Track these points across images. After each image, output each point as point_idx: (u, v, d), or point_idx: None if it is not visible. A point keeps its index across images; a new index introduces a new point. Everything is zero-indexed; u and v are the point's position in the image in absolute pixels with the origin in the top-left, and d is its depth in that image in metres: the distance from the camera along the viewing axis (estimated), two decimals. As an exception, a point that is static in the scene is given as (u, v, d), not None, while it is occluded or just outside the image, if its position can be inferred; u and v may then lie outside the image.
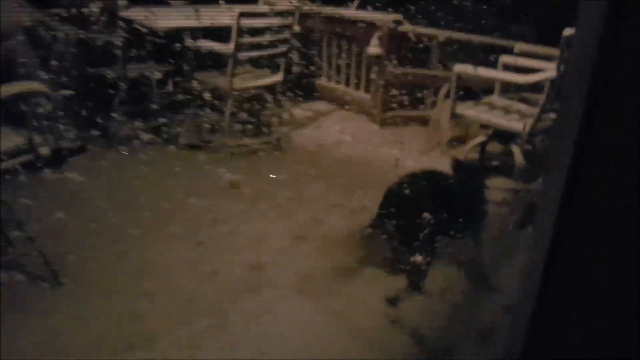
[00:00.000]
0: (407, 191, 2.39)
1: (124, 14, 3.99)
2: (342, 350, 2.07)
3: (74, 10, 3.83)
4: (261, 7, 4.34)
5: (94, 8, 3.95)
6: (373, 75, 4.56)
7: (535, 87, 3.38)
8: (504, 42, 3.94)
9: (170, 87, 4.28)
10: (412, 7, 4.81)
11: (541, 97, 3.09)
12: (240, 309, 2.25)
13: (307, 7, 4.64)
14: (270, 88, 4.09)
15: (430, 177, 2.52)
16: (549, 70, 3.06)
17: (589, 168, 0.73)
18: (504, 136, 3.42)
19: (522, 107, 3.43)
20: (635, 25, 0.64)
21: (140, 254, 2.60)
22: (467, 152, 3.55)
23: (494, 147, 3.59)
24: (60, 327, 2.09)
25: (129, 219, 2.82)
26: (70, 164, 3.38)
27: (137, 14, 3.95)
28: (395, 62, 4.45)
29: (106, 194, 3.10)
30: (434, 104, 4.58)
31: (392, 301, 2.31)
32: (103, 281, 2.37)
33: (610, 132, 0.71)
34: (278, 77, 4.00)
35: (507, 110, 3.42)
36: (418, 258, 2.29)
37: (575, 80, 0.72)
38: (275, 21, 3.78)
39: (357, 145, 4.17)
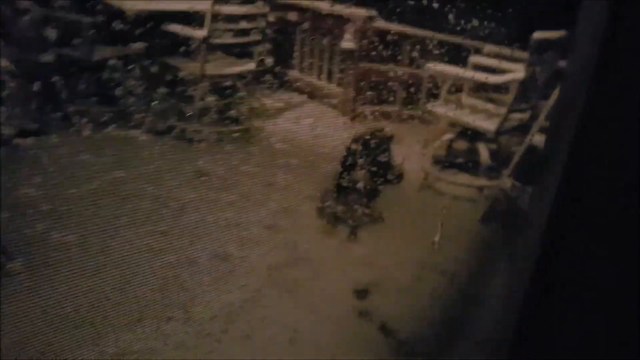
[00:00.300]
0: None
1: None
2: (312, 341, 2.08)
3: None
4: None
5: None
6: (345, 69, 4.58)
7: (502, 87, 3.48)
8: (474, 43, 4.03)
9: (138, 70, 4.17)
10: (389, 5, 4.84)
11: (508, 97, 3.17)
12: (207, 301, 2.24)
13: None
14: (242, 76, 4.05)
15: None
16: (517, 72, 3.15)
17: (584, 167, 0.75)
18: (470, 134, 3.50)
19: (490, 106, 3.52)
20: (633, 26, 0.67)
21: (101, 242, 2.53)
22: (435, 149, 3.62)
23: (461, 144, 3.67)
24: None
25: (90, 205, 2.74)
26: (27, 146, 3.25)
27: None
28: (367, 57, 4.48)
29: (65, 180, 3.00)
30: (405, 100, 4.65)
31: (361, 293, 2.34)
32: (53, 276, 2.29)
33: (605, 133, 0.73)
34: (250, 65, 3.97)
35: (475, 109, 3.50)
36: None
37: (576, 79, 0.75)
38: (250, 9, 3.74)
39: (326, 137, 4.18)
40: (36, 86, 3.39)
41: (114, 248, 2.47)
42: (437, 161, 3.72)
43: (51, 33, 3.62)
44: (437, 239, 2.76)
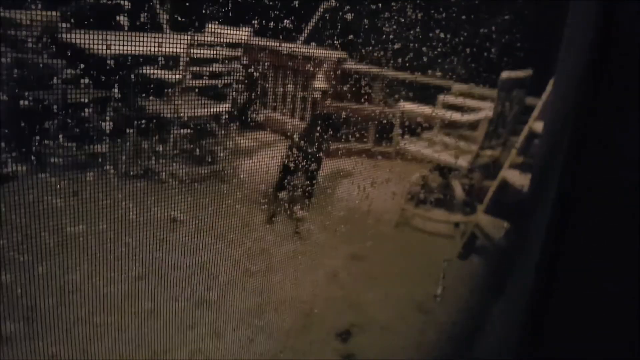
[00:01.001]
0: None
1: (65, 36, 3.85)
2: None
3: (11, 31, 3.65)
4: (209, 38, 4.34)
5: (34, 29, 3.80)
6: (317, 108, 4.65)
7: (472, 124, 3.58)
8: (443, 82, 4.16)
9: (110, 113, 4.14)
10: (358, 45, 4.98)
11: (477, 134, 3.27)
12: (183, 347, 2.16)
13: (255, 40, 4.69)
14: (216, 117, 4.05)
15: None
16: (486, 110, 3.25)
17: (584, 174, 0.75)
18: (444, 171, 3.57)
19: (461, 143, 3.61)
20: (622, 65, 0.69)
21: (75, 287, 2.43)
22: (410, 185, 3.67)
23: (435, 180, 3.73)
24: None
25: (61, 249, 2.65)
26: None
27: (79, 37, 3.82)
28: (338, 96, 4.56)
29: (38, 223, 2.90)
30: (377, 138, 4.73)
31: (343, 336, 2.30)
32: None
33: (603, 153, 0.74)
34: (224, 105, 3.98)
35: (446, 146, 3.58)
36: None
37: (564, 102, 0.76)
38: (223, 51, 3.78)
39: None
40: (7, 129, 3.31)
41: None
42: (412, 197, 3.76)
43: (24, 76, 3.58)
44: (439, 292, 2.74)
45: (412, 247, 3.24)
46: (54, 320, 2.14)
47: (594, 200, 0.78)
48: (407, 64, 4.82)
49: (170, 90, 3.80)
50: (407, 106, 3.58)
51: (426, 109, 3.58)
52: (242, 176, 3.91)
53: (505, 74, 2.85)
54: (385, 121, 4.57)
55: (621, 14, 0.70)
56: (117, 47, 3.51)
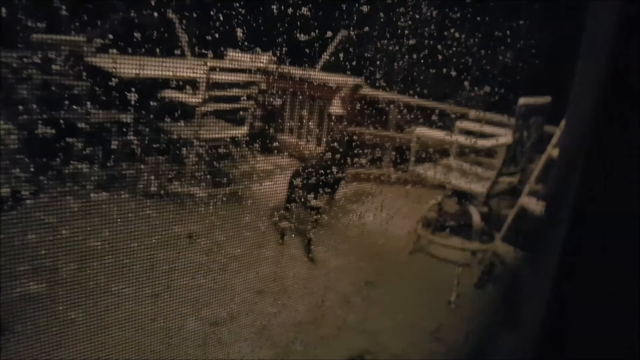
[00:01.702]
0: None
1: (91, 59, 3.98)
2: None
3: (39, 54, 3.78)
4: (230, 63, 4.44)
5: (61, 52, 3.93)
6: (334, 134, 4.68)
7: (490, 151, 3.56)
8: (460, 109, 4.17)
9: (133, 135, 4.23)
10: (375, 72, 5.03)
11: (495, 161, 3.24)
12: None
13: (273, 66, 4.78)
14: (234, 140, 4.11)
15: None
16: (503, 136, 3.24)
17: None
18: (460, 197, 3.54)
19: (479, 169, 3.59)
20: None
21: (93, 306, 2.46)
22: (426, 211, 3.64)
23: (452, 207, 3.70)
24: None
25: (79, 269, 2.69)
26: (25, 207, 3.22)
27: (104, 60, 3.94)
28: (355, 122, 4.60)
29: (59, 240, 2.95)
30: (394, 163, 4.73)
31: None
32: (48, 340, 2.21)
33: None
34: (243, 129, 4.04)
35: (463, 172, 3.56)
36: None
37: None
38: (242, 77, 3.86)
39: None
40: (34, 149, 3.41)
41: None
42: (428, 224, 3.73)
43: (49, 97, 3.69)
44: (453, 298, 2.75)
45: (427, 274, 3.20)
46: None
47: (605, 226, 0.77)
48: (423, 90, 4.85)
49: (191, 113, 3.88)
50: (423, 131, 3.58)
51: (443, 135, 3.58)
52: (256, 197, 3.94)
53: (523, 101, 2.84)
54: (400, 147, 4.59)
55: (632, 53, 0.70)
56: (140, 71, 3.61)
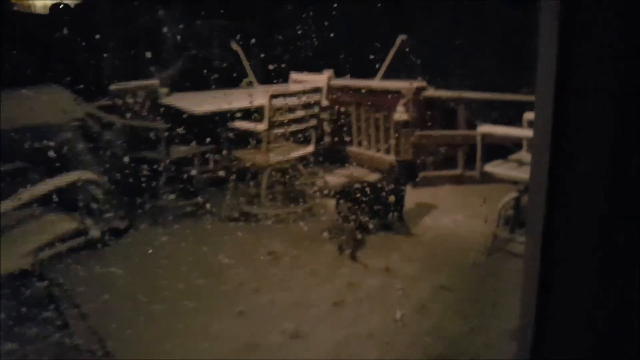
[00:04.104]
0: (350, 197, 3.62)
1: (165, 100, 4.35)
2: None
3: (119, 101, 4.22)
4: (291, 87, 4.63)
5: (138, 97, 4.34)
6: (401, 140, 4.71)
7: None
8: (527, 98, 4.03)
9: (211, 165, 4.54)
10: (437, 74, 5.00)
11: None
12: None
13: (334, 82, 4.91)
14: (303, 158, 4.28)
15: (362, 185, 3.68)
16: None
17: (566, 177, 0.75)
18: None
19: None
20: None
21: (185, 327, 2.69)
22: (501, 208, 3.56)
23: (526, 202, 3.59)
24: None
25: (174, 292, 2.95)
26: (118, 243, 3.60)
27: (177, 100, 4.29)
28: (421, 125, 4.60)
29: (149, 270, 3.26)
30: (464, 162, 4.66)
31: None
32: (147, 357, 2.46)
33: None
34: (310, 148, 4.19)
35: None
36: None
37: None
38: (305, 98, 4.02)
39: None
40: (122, 188, 3.80)
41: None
42: (506, 222, 3.64)
43: (132, 139, 4.09)
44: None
45: (506, 274, 3.13)
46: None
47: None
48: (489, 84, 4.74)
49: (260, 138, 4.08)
50: (490, 128, 3.52)
51: (508, 129, 3.50)
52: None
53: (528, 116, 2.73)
54: (468, 145, 4.51)
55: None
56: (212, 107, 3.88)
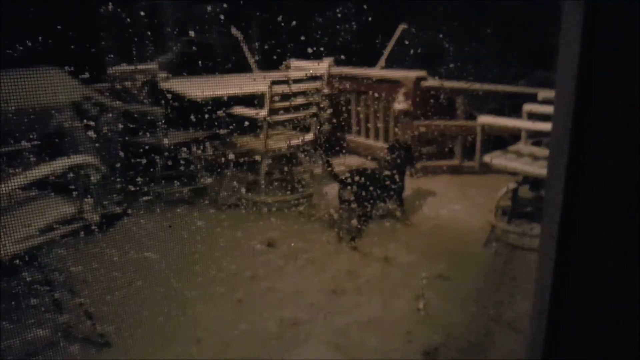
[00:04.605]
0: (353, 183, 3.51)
1: (164, 85, 4.30)
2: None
3: (117, 85, 4.17)
4: (292, 74, 4.59)
5: (136, 81, 4.30)
6: (401, 129, 4.69)
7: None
8: (527, 90, 4.02)
9: (209, 151, 4.52)
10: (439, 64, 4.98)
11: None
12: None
13: (335, 70, 4.87)
14: (303, 146, 4.26)
15: (364, 171, 3.62)
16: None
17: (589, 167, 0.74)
18: (534, 182, 3.43)
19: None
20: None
21: (181, 314, 2.69)
22: (499, 199, 3.57)
23: (526, 193, 3.60)
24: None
25: (169, 280, 2.95)
26: (116, 228, 3.58)
27: (176, 85, 4.25)
28: (421, 115, 4.58)
29: (146, 256, 3.25)
30: (462, 153, 4.66)
31: (430, 354, 2.30)
32: (146, 345, 2.46)
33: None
34: (310, 136, 4.17)
35: (535, 157, 3.45)
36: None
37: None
38: (305, 86, 3.99)
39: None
40: (119, 173, 3.77)
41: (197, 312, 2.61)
42: (503, 212, 3.65)
43: (130, 124, 4.05)
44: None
45: (504, 264, 3.14)
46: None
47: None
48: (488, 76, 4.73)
49: (260, 125, 4.05)
50: (489, 118, 3.52)
51: (508, 120, 3.50)
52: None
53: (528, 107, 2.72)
54: (467, 136, 4.51)
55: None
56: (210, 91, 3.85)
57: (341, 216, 3.65)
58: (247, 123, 4.15)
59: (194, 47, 5.13)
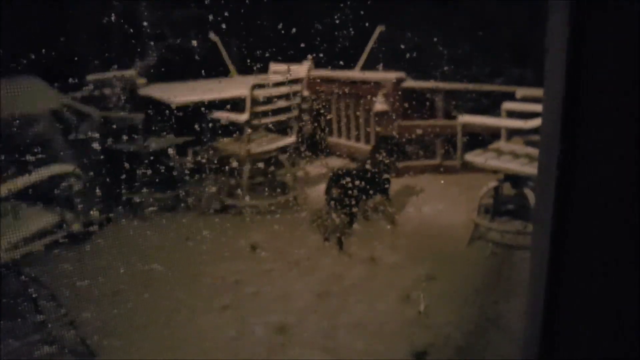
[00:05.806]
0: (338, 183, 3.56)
1: (142, 91, 4.25)
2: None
3: (95, 92, 4.11)
4: (272, 77, 4.58)
5: (115, 88, 4.24)
6: (382, 130, 4.72)
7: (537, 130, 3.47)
8: (505, 88, 4.08)
9: (190, 156, 4.47)
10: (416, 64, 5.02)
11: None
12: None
13: (314, 73, 4.88)
14: (284, 149, 4.25)
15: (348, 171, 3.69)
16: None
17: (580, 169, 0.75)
18: (515, 180, 3.48)
19: (530, 150, 3.51)
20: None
21: (167, 321, 2.66)
22: (481, 197, 3.61)
23: (508, 191, 3.65)
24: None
25: (154, 287, 2.91)
26: (98, 236, 3.52)
27: (155, 91, 4.20)
28: (401, 116, 4.62)
29: (131, 264, 3.20)
30: (443, 152, 4.71)
31: (420, 356, 2.32)
32: (132, 353, 2.42)
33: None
34: (291, 139, 4.17)
35: (515, 155, 3.50)
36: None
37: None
38: (285, 89, 3.98)
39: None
40: (100, 182, 3.71)
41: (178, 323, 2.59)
42: (486, 210, 3.69)
43: (109, 131, 3.99)
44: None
45: (488, 262, 3.18)
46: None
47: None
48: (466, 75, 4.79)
49: (241, 129, 4.03)
50: (470, 118, 3.56)
51: (487, 119, 3.54)
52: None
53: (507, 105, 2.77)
54: (448, 135, 4.56)
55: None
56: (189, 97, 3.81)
57: (327, 218, 3.65)
58: (229, 127, 4.13)
59: (172, 53, 5.08)
